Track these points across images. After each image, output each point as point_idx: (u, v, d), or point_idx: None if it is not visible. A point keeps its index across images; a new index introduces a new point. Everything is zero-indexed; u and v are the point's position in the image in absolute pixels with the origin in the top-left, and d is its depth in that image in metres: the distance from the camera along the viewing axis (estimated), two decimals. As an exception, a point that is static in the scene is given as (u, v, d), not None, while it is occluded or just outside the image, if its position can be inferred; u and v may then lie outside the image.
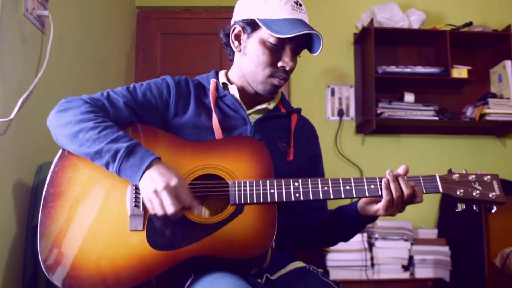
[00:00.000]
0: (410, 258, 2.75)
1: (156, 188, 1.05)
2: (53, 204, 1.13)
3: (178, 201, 1.05)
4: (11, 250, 1.53)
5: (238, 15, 1.30)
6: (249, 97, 1.35)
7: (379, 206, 1.15)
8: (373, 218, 1.21)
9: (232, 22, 1.34)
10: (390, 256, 2.73)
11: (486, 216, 2.91)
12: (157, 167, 1.07)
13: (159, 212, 1.06)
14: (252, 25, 1.26)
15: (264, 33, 1.24)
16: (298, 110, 1.43)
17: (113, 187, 1.14)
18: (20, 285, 1.57)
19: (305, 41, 1.27)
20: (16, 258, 1.56)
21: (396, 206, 1.13)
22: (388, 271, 2.71)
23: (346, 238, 1.32)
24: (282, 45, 1.24)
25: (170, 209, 1.05)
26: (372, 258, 2.72)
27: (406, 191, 1.12)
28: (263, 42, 1.25)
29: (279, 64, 1.25)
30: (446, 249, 2.79)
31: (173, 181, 1.05)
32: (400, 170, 1.17)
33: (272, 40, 1.23)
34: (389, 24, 3.15)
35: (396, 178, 1.13)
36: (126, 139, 1.11)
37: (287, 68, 1.26)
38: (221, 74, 1.40)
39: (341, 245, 2.73)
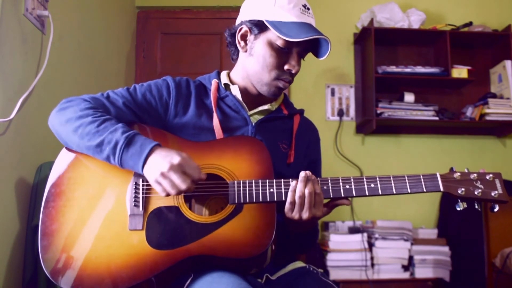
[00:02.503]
0: (410, 258, 2.75)
1: (162, 171, 1.05)
2: (54, 204, 1.13)
3: (187, 177, 1.06)
4: (12, 250, 1.53)
5: (245, 15, 1.29)
6: (252, 98, 1.34)
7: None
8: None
9: (238, 22, 1.33)
10: (390, 256, 2.73)
11: (486, 216, 2.92)
12: (157, 152, 1.08)
13: (172, 192, 1.06)
14: (259, 26, 1.25)
15: (272, 35, 1.23)
16: (301, 112, 1.42)
17: (113, 187, 1.14)
18: (20, 285, 1.57)
19: (311, 45, 1.26)
20: (16, 258, 1.56)
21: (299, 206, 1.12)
22: (388, 271, 2.71)
23: (304, 243, 1.30)
24: (289, 48, 1.24)
25: (182, 186, 1.05)
26: (372, 258, 2.72)
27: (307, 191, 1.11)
28: (271, 44, 1.24)
29: (286, 67, 1.25)
30: (446, 249, 2.79)
31: (176, 159, 1.06)
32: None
33: (280, 42, 1.22)
34: (389, 24, 3.15)
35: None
36: (125, 129, 1.11)
37: (293, 72, 1.25)
38: (223, 74, 1.39)
39: (341, 245, 2.76)
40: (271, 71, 1.25)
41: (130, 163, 1.09)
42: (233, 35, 1.33)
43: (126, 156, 1.08)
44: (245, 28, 1.28)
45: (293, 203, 1.12)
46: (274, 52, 1.24)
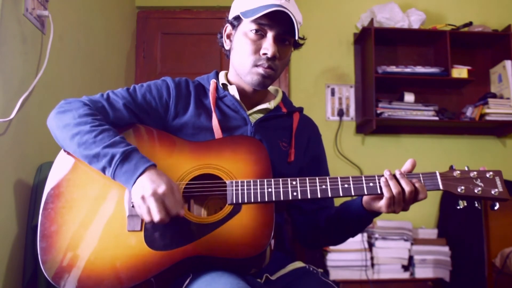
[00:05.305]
0: (410, 258, 2.75)
1: (143, 194, 1.04)
2: (53, 205, 1.13)
3: (164, 209, 1.04)
4: (11, 250, 1.53)
5: (229, 15, 1.34)
6: (250, 97, 1.34)
7: (381, 204, 1.14)
8: (377, 213, 1.20)
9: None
10: (390, 256, 2.73)
11: (486, 216, 2.91)
12: (150, 173, 1.07)
13: (146, 218, 1.06)
14: (237, 20, 1.29)
15: (245, 23, 1.26)
16: (300, 109, 1.42)
17: (112, 188, 1.14)
18: (20, 285, 1.57)
19: (289, 29, 1.23)
20: (16, 258, 1.56)
21: (398, 203, 1.12)
22: (388, 271, 2.71)
23: (352, 234, 1.31)
24: (263, 33, 1.24)
25: (156, 216, 1.04)
26: (372, 258, 2.72)
27: (406, 188, 1.11)
28: (245, 33, 1.26)
29: (261, 51, 1.25)
30: (446, 249, 2.79)
31: (161, 188, 1.04)
32: (407, 165, 1.16)
33: (251, 27, 1.24)
34: (389, 24, 3.15)
35: (394, 176, 1.12)
36: (123, 144, 1.11)
37: (268, 55, 1.23)
38: (221, 74, 1.40)
39: (341, 245, 2.74)
40: (248, 57, 1.25)
41: (123, 178, 1.08)
42: (222, 37, 1.37)
43: (120, 172, 1.08)
44: (229, 26, 1.33)
45: (391, 198, 1.11)
46: (248, 40, 1.25)
